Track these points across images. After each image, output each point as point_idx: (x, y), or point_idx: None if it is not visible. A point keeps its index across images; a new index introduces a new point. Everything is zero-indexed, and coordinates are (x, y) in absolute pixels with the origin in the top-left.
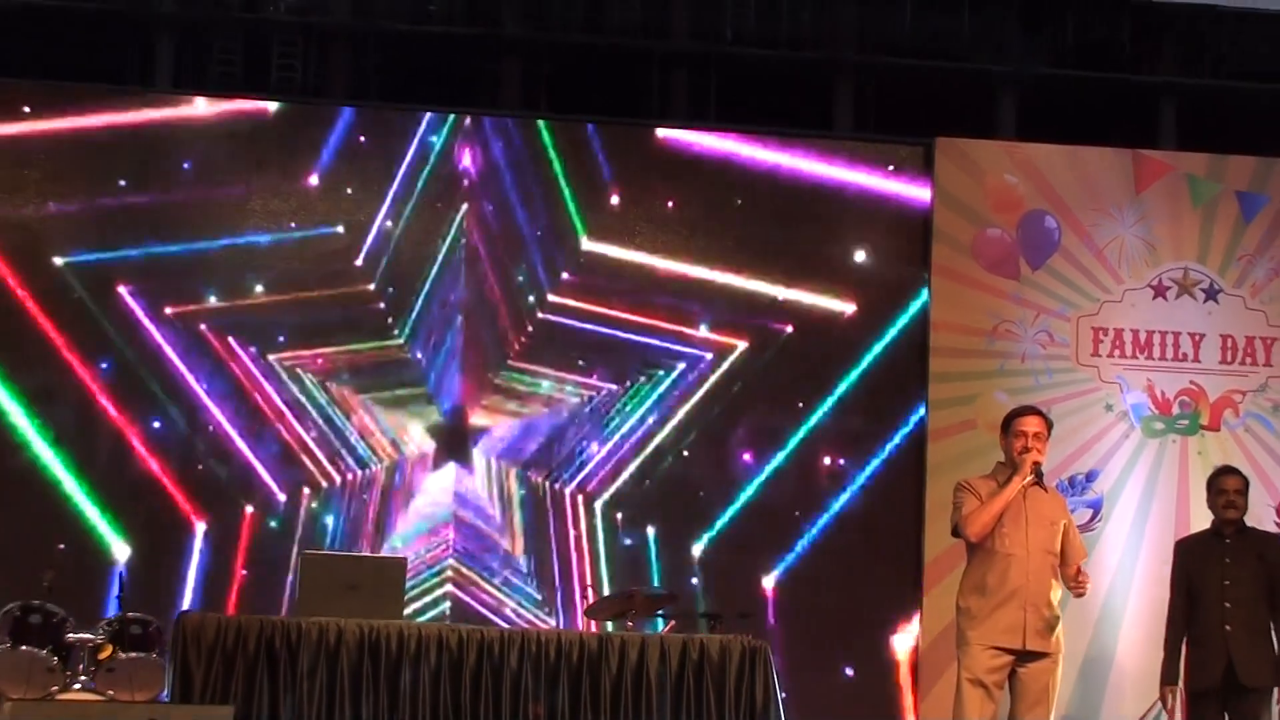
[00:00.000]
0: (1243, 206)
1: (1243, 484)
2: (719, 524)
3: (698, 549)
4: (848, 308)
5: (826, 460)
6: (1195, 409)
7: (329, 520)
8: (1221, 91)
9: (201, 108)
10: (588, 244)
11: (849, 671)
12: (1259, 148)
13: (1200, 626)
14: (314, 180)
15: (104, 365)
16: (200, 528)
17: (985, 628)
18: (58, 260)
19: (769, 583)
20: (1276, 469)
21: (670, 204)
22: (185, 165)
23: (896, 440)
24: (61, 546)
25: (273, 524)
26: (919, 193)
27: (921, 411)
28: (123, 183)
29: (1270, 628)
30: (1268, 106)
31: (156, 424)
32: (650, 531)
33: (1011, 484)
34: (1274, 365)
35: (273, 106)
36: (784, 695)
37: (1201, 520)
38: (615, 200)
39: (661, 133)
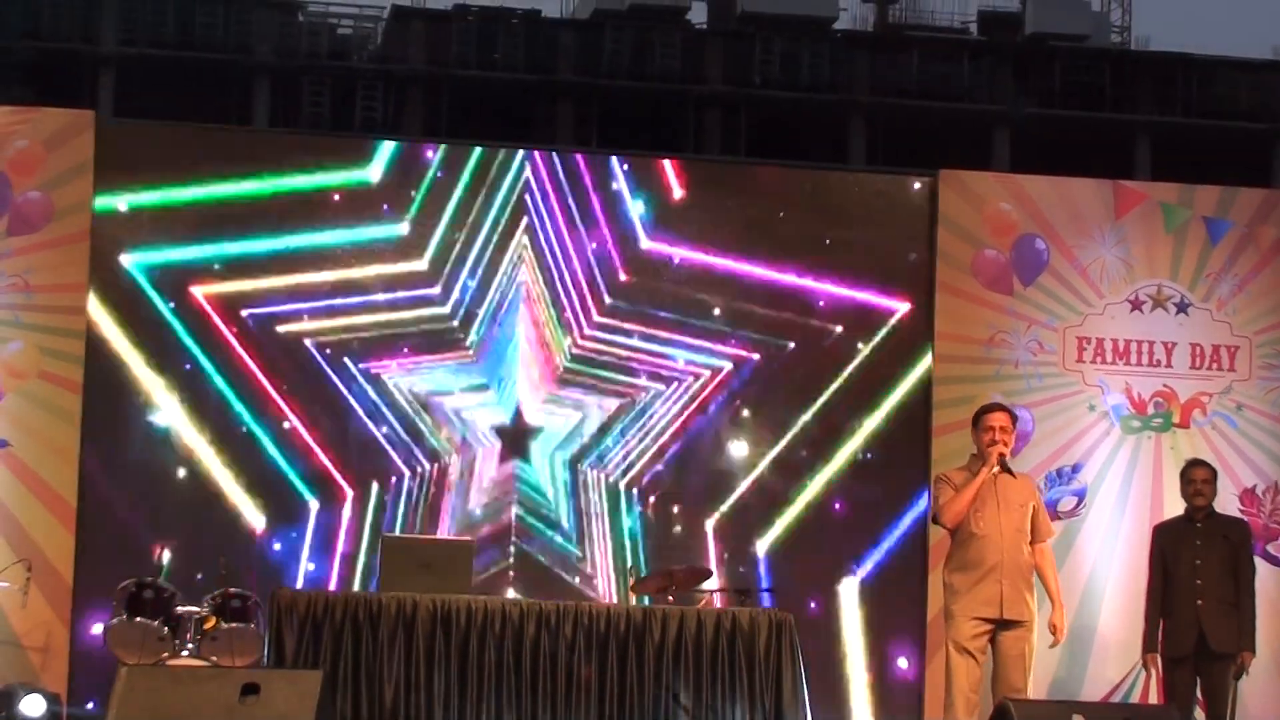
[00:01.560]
0: (1209, 230)
1: (1210, 474)
2: (738, 506)
3: (726, 530)
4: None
5: (848, 454)
6: (1168, 409)
7: (405, 507)
8: (1191, 129)
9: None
10: (632, 265)
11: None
12: (1223, 178)
13: (1175, 601)
14: (402, 212)
15: (177, 365)
16: (265, 520)
17: (967, 600)
18: (124, 259)
19: (791, 561)
20: (1239, 461)
21: (700, 232)
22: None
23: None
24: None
25: (355, 512)
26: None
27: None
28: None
29: (1235, 600)
30: (1232, 142)
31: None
32: (688, 516)
33: (980, 475)
34: (1237, 370)
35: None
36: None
37: (1174, 506)
38: (660, 221)
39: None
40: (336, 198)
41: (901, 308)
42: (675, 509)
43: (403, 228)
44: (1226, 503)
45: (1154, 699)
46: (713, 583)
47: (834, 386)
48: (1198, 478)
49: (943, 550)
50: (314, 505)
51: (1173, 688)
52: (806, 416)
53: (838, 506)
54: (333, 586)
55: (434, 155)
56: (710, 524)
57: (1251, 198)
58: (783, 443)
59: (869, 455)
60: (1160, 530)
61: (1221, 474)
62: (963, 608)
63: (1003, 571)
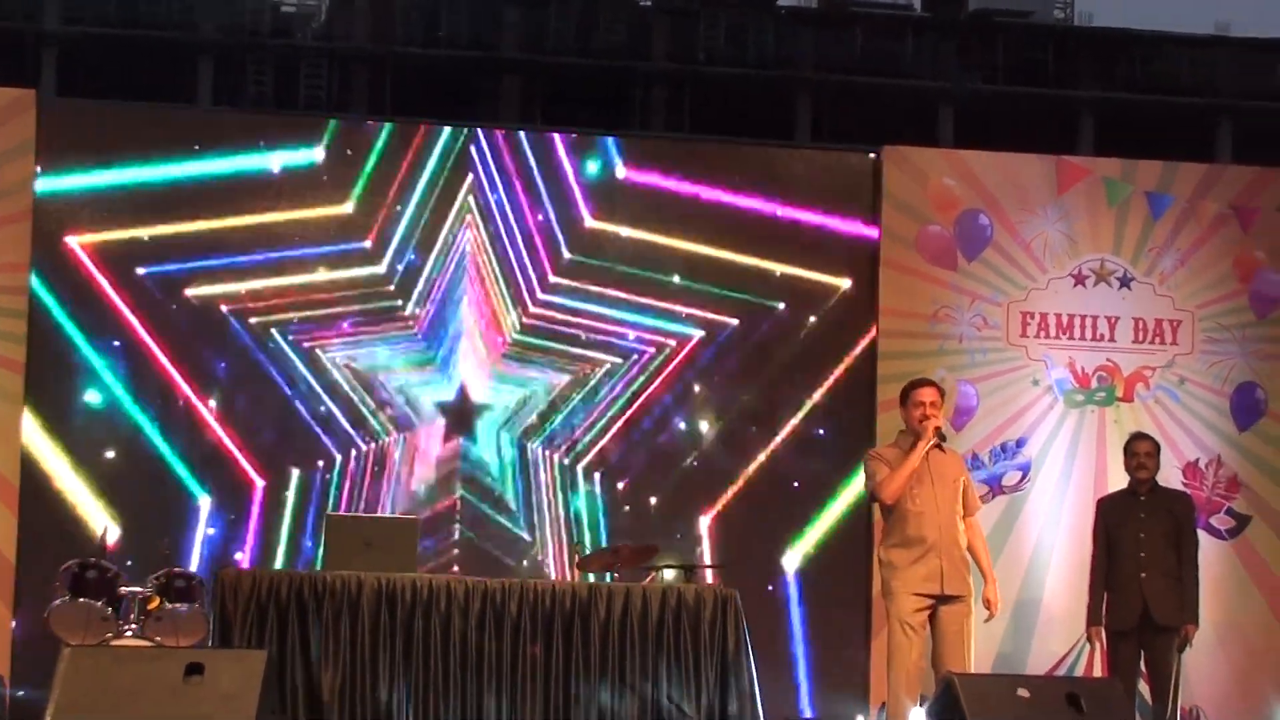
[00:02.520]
0: (1151, 205)
1: (1153, 448)
2: (683, 482)
3: (669, 505)
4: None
5: (793, 429)
6: (1111, 383)
7: (352, 484)
8: (1134, 104)
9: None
10: (582, 237)
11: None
12: (1166, 153)
13: (1119, 574)
14: (345, 190)
15: (116, 344)
16: (213, 500)
17: (907, 576)
18: (68, 239)
19: (729, 536)
20: (1182, 434)
21: (645, 210)
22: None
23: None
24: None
25: (299, 490)
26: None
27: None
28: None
29: (1179, 574)
30: (1174, 118)
31: (174, 402)
32: (635, 493)
33: (917, 449)
34: (1180, 344)
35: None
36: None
37: (1117, 480)
38: (604, 198)
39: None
40: (280, 176)
41: (845, 284)
42: (621, 486)
43: (347, 206)
44: (1169, 476)
45: (1098, 672)
46: (659, 559)
47: (779, 362)
48: (1140, 451)
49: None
50: (259, 484)
51: (1116, 661)
52: (752, 393)
53: (783, 482)
54: (278, 565)
55: (378, 133)
56: (656, 500)
57: (1193, 172)
58: (729, 419)
59: (816, 431)
60: (1104, 504)
61: (1164, 447)
62: (903, 584)
63: (941, 547)
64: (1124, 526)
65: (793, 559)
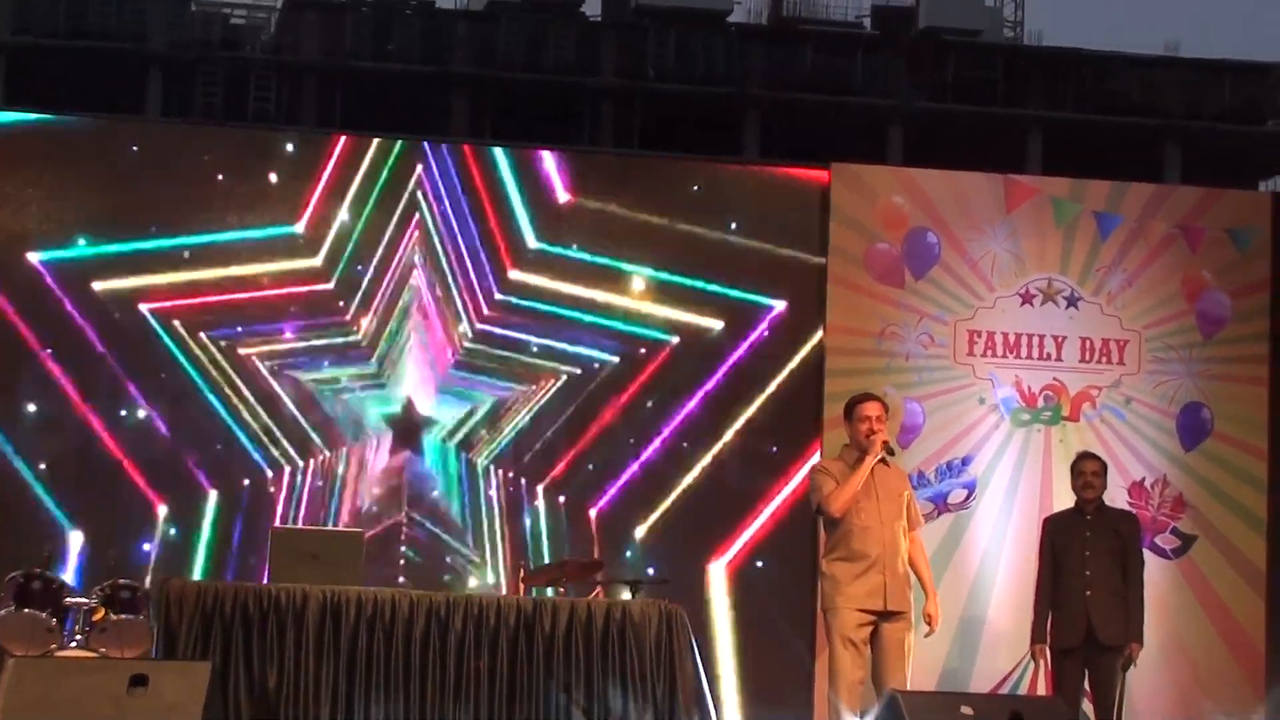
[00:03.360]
0: (1100, 225)
1: (1100, 467)
2: (640, 502)
3: (618, 521)
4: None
5: (738, 444)
6: (1057, 402)
7: (296, 497)
8: (1083, 124)
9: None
10: (525, 255)
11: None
12: (1114, 173)
13: (1064, 592)
14: (298, 210)
15: (50, 352)
16: (162, 510)
17: (850, 592)
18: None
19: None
20: (1128, 454)
21: (591, 226)
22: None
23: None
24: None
25: (245, 503)
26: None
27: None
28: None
29: (1124, 593)
30: (1122, 137)
31: (123, 414)
32: (580, 507)
33: (865, 463)
34: (1126, 364)
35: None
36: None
37: (1063, 498)
38: (551, 214)
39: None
40: (228, 189)
41: (788, 301)
42: (565, 501)
43: (296, 221)
44: (1115, 495)
45: (1043, 690)
46: (604, 574)
47: (725, 378)
48: (1087, 470)
49: None
50: (208, 496)
51: (1061, 679)
52: (697, 408)
53: (729, 496)
54: (216, 577)
55: (327, 147)
56: (600, 515)
57: (1141, 192)
58: (673, 434)
59: (763, 447)
60: (1050, 522)
61: (1110, 467)
62: (846, 599)
63: (884, 563)
64: (1070, 545)
65: (737, 573)
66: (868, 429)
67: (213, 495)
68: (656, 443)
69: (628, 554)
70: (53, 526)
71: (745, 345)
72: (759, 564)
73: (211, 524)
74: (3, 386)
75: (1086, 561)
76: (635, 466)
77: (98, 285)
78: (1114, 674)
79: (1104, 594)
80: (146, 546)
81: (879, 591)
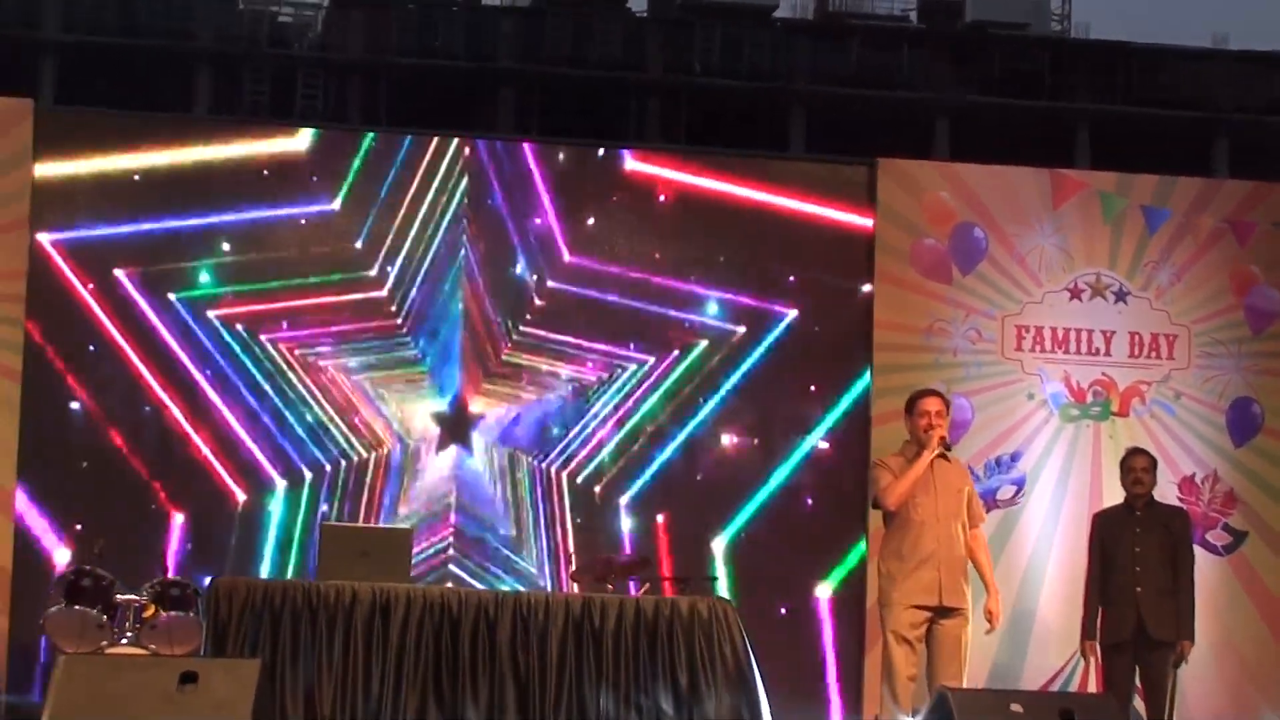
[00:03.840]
0: (1147, 219)
1: (1150, 463)
2: (678, 495)
3: (668, 520)
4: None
5: (786, 441)
6: (1107, 397)
7: (346, 494)
8: (1130, 117)
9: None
10: (572, 252)
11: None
12: (1163, 166)
13: (1114, 588)
14: (332, 194)
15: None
16: (252, 497)
17: (906, 588)
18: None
19: (727, 549)
20: (1178, 449)
21: (647, 216)
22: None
23: (846, 424)
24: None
25: (299, 497)
26: (864, 215)
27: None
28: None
29: (1174, 590)
30: (1170, 131)
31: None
32: (631, 505)
33: (922, 458)
34: (1176, 359)
35: (306, 133)
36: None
37: (1113, 494)
38: (596, 213)
39: (634, 161)
40: (270, 182)
41: (839, 296)
42: (616, 498)
43: (340, 214)
44: (1165, 491)
45: (1093, 687)
46: (653, 571)
47: (774, 376)
48: (1137, 466)
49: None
50: (249, 493)
51: (1111, 675)
52: (747, 406)
53: (777, 494)
54: (271, 574)
55: (373, 143)
56: (651, 512)
57: (1189, 187)
58: (724, 431)
59: (811, 444)
60: (1100, 518)
61: (1160, 462)
62: (901, 595)
63: (940, 558)
64: (1120, 541)
65: (786, 570)
66: (926, 424)
67: (253, 493)
68: (708, 439)
69: (668, 547)
70: (92, 524)
71: (797, 343)
72: (808, 561)
73: (257, 521)
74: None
75: (1136, 558)
76: (692, 465)
77: (124, 274)
78: (1165, 671)
79: (1154, 590)
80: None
81: (934, 587)
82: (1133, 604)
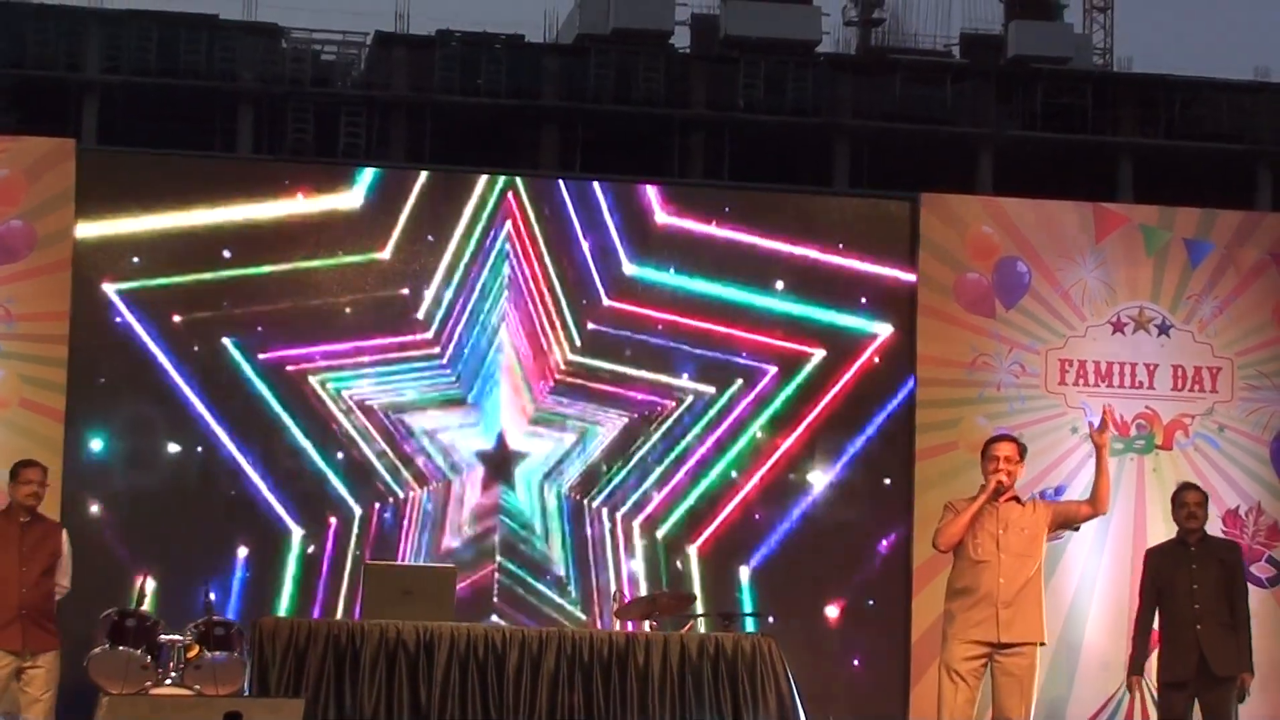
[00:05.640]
0: (1190, 252)
1: (1203, 498)
2: (720, 530)
3: (708, 554)
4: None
5: (830, 477)
6: (1150, 431)
7: (389, 533)
8: (1173, 150)
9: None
10: (614, 291)
11: (855, 664)
12: (1206, 199)
13: (1173, 625)
14: (378, 235)
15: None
16: (297, 536)
17: (960, 623)
18: (107, 286)
19: (769, 584)
20: (1222, 482)
21: (683, 256)
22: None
23: (889, 458)
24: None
25: (342, 537)
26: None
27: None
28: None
29: (1232, 623)
30: (1213, 163)
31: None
32: (674, 542)
33: (975, 502)
34: (1219, 392)
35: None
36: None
37: (1156, 527)
38: (639, 251)
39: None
40: (318, 223)
41: (885, 331)
42: (659, 534)
43: (385, 254)
44: (1210, 524)
45: None
46: (697, 607)
47: (818, 410)
48: (1190, 501)
49: (927, 573)
50: (297, 532)
51: (1170, 713)
52: (791, 440)
53: (821, 530)
54: (315, 614)
55: (417, 181)
56: (694, 549)
57: (1231, 219)
58: (766, 467)
59: (855, 479)
60: (1153, 554)
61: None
62: (956, 631)
63: (998, 597)
64: (1175, 578)
65: (831, 607)
66: (994, 468)
67: (301, 532)
68: (752, 475)
69: (712, 584)
70: (138, 565)
71: (847, 375)
72: (851, 597)
73: (301, 561)
74: (91, 423)
75: (1195, 594)
76: (734, 501)
77: (179, 319)
78: (1228, 705)
79: (1214, 625)
80: (234, 584)
81: (990, 623)
82: (1194, 641)
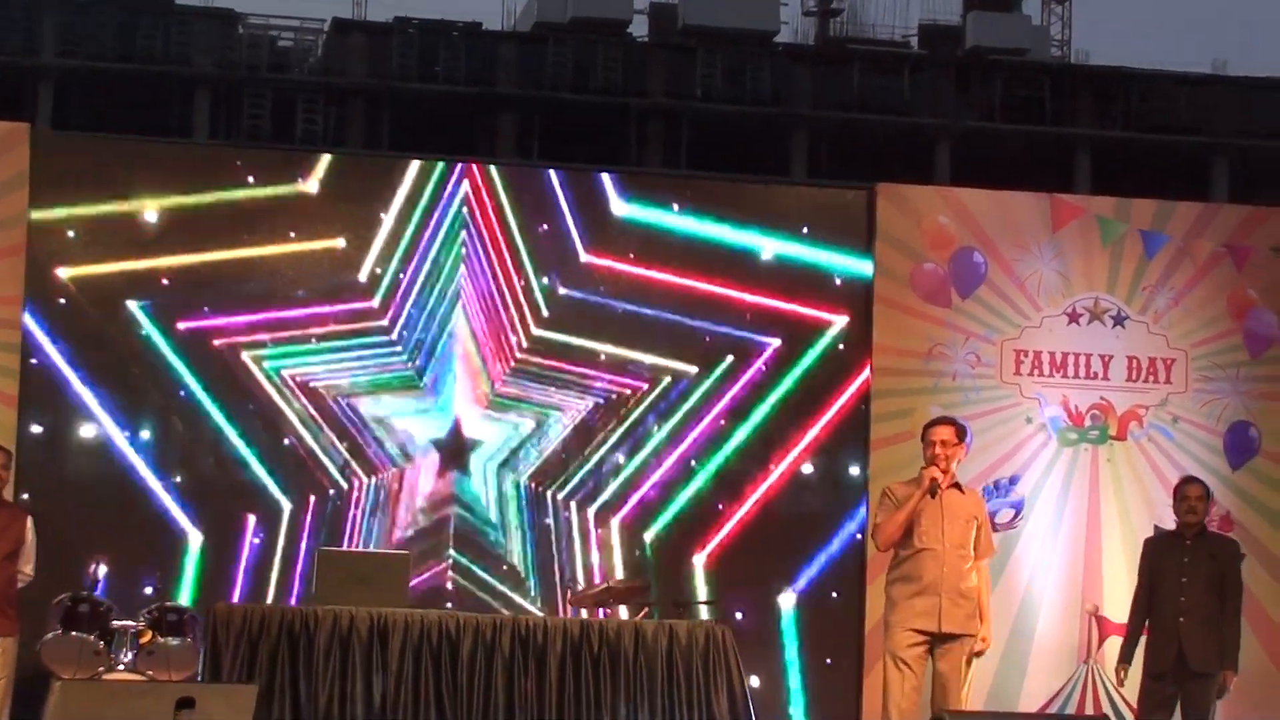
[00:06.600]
0: (1146, 244)
1: (1203, 492)
2: (687, 523)
3: (663, 543)
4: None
5: (785, 466)
6: (1104, 421)
7: (343, 519)
8: (1130, 142)
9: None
10: (569, 280)
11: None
12: (1162, 191)
13: (1159, 616)
14: (333, 220)
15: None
16: (249, 522)
17: (904, 612)
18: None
19: (725, 572)
20: (1175, 473)
21: (641, 244)
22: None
23: (843, 447)
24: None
25: (295, 523)
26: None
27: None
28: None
29: (1219, 620)
30: (1170, 155)
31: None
32: (628, 530)
33: (913, 499)
34: (1174, 383)
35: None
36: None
37: (1110, 517)
38: (595, 239)
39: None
40: (273, 209)
41: (840, 320)
42: (614, 522)
43: (340, 240)
44: (1163, 514)
45: (1091, 709)
46: (651, 596)
47: (773, 399)
48: (1191, 495)
49: (881, 562)
50: (250, 518)
51: (1149, 701)
52: (746, 430)
53: (776, 519)
54: (269, 600)
55: (374, 167)
56: (648, 537)
57: (1188, 211)
58: (721, 455)
59: (810, 469)
60: (1150, 544)
61: (1156, 486)
62: (899, 619)
63: (942, 586)
64: (1167, 569)
65: (785, 596)
66: (932, 453)
67: (253, 519)
68: (707, 464)
69: (665, 572)
70: (91, 551)
71: (805, 364)
72: (805, 586)
73: (255, 547)
74: (40, 409)
75: (1183, 588)
76: (688, 489)
77: (134, 304)
78: (1205, 701)
79: (1197, 620)
80: (188, 571)
81: (933, 613)
82: (1175, 633)
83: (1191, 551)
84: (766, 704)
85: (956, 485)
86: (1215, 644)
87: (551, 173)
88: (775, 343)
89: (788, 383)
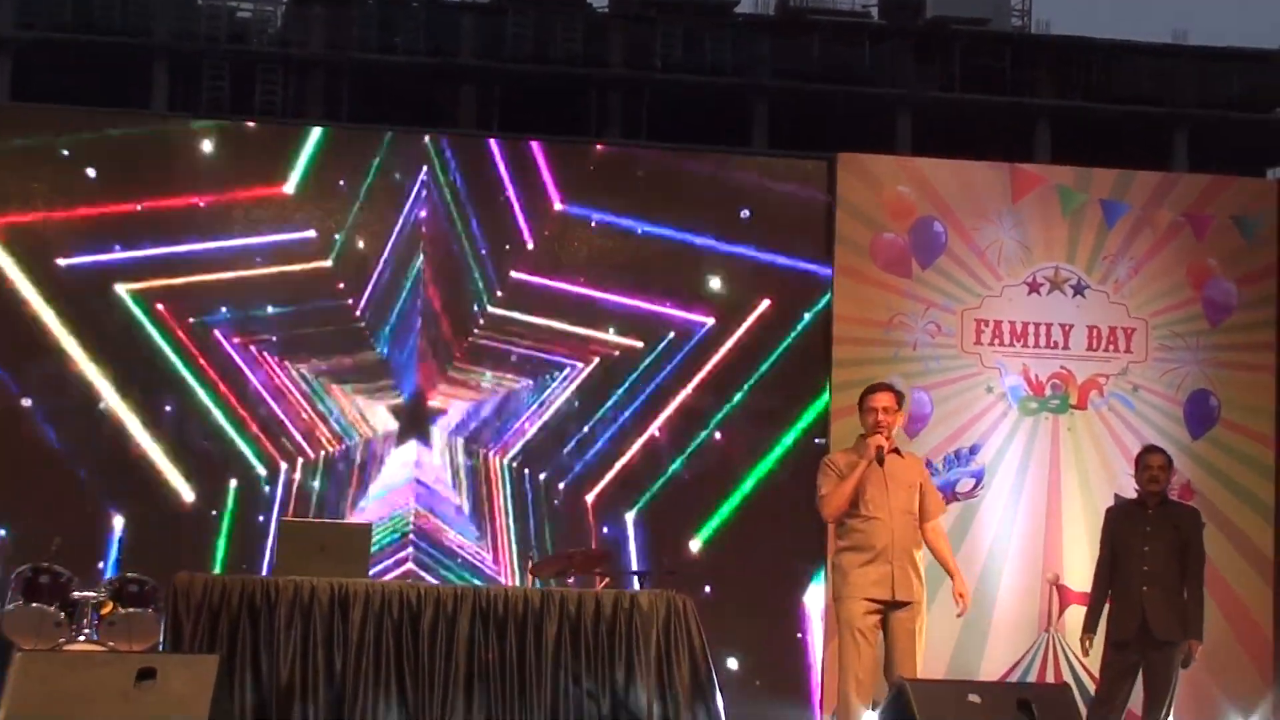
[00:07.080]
0: (1105, 213)
1: (1166, 461)
2: (648, 493)
3: (629, 514)
4: (764, 303)
5: (744, 437)
6: (1065, 390)
7: (304, 490)
8: (1091, 113)
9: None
10: (534, 245)
11: (762, 624)
12: (1123, 161)
13: (1121, 585)
14: (289, 188)
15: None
16: (190, 498)
17: (857, 582)
18: (60, 261)
19: (694, 546)
20: (1135, 442)
21: (609, 210)
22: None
23: (806, 418)
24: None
25: (255, 494)
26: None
27: (826, 394)
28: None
29: (1181, 589)
30: (1130, 125)
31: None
32: (587, 499)
33: (859, 468)
34: (1134, 352)
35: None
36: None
37: (1070, 487)
38: (556, 209)
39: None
40: (230, 178)
41: (799, 289)
42: (575, 491)
43: (300, 213)
44: (1123, 483)
45: (1052, 677)
46: (613, 564)
47: (735, 367)
48: (1154, 464)
49: None
50: (205, 490)
51: (1111, 669)
52: (708, 398)
53: (737, 488)
54: (228, 570)
55: (334, 139)
56: (612, 505)
57: (1148, 180)
58: (684, 425)
59: (771, 436)
60: (1111, 512)
61: (1116, 454)
62: (853, 589)
63: (892, 553)
64: (1129, 538)
65: (743, 564)
66: (874, 420)
67: (222, 487)
68: (670, 433)
69: (626, 542)
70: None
71: (751, 334)
72: (764, 555)
73: (220, 517)
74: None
75: (1145, 557)
76: (652, 459)
77: (65, 263)
78: (1168, 669)
79: (1160, 589)
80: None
81: (886, 581)
82: (1138, 602)
83: (1154, 520)
84: (724, 674)
85: (896, 450)
86: (1178, 613)
87: (505, 144)
88: (733, 310)
89: (746, 351)
